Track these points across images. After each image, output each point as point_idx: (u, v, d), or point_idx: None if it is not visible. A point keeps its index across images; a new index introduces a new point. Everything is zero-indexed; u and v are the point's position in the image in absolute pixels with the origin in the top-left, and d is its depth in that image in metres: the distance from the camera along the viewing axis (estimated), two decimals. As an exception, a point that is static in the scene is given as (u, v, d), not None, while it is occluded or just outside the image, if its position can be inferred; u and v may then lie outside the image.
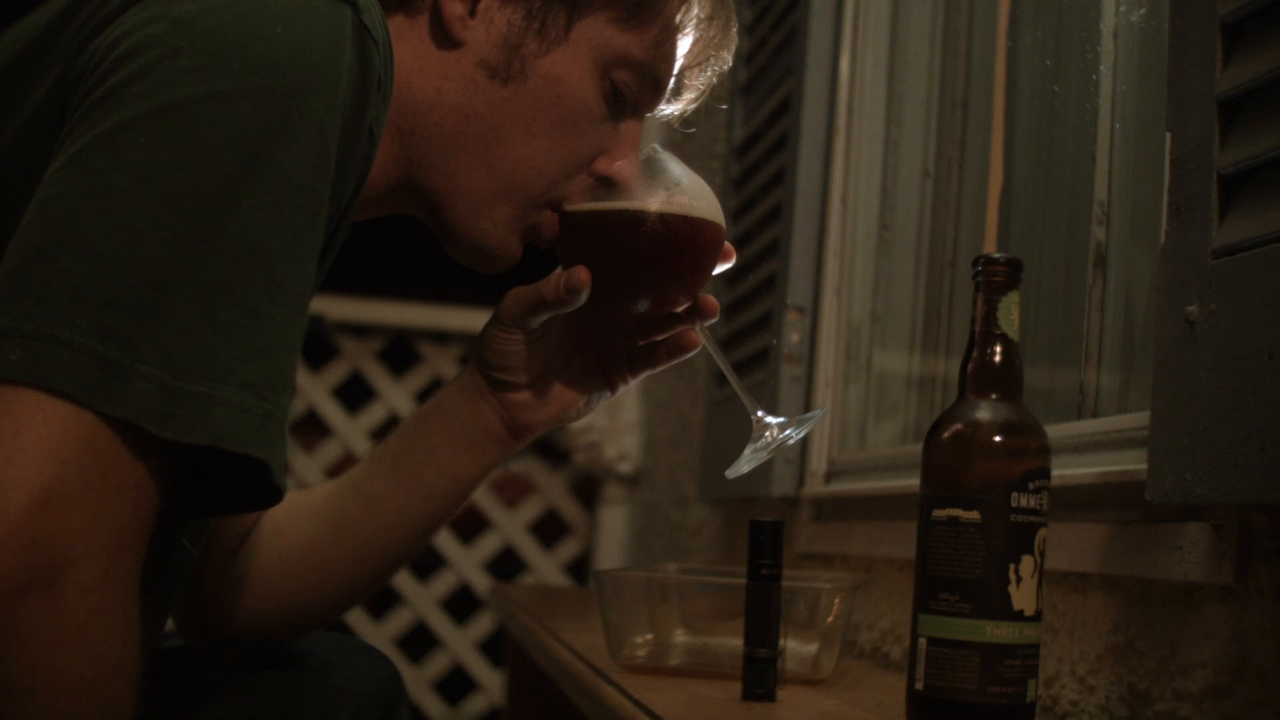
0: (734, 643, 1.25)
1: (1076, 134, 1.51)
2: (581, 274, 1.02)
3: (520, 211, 1.00)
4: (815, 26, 2.02)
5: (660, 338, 1.11)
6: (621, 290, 1.06)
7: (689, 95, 1.09)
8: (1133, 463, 1.12)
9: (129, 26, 0.76)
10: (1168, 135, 1.03)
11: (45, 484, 0.66)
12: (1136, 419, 1.16)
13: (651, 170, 1.05)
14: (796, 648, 1.30)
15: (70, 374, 0.68)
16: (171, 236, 0.71)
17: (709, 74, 1.08)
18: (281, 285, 0.74)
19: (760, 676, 1.18)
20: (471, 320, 3.22)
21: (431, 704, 3.16)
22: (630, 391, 3.12)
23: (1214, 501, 0.95)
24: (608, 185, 1.02)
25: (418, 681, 3.15)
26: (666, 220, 1.03)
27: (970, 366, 1.00)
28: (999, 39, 1.74)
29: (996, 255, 1.00)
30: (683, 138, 3.01)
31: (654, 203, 1.03)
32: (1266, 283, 0.90)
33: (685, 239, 1.04)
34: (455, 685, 3.20)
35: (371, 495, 1.12)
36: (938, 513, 0.98)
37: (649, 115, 1.06)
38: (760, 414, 1.07)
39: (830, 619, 1.31)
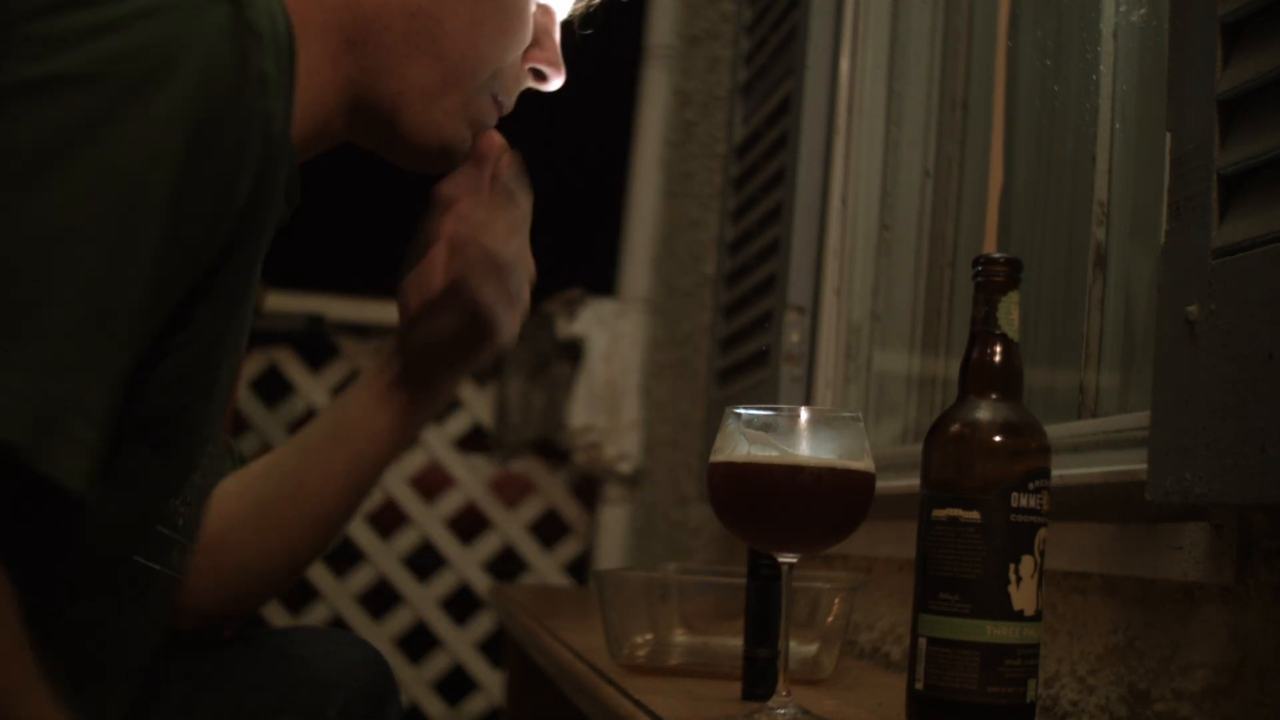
0: (734, 643, 1.25)
1: (1076, 134, 1.51)
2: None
3: (466, 98, 1.02)
4: (815, 26, 2.02)
5: None
6: (770, 532, 1.06)
7: None
8: (1133, 463, 1.12)
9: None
10: (1168, 135, 1.03)
11: None
12: (1136, 419, 1.16)
13: (822, 427, 1.04)
14: (796, 648, 1.30)
15: None
16: None
17: None
18: (75, 271, 0.72)
19: (760, 676, 1.18)
20: (471, 320, 3.22)
21: (431, 704, 3.16)
22: (630, 391, 3.12)
23: (1214, 501, 0.95)
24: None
25: (418, 681, 3.15)
26: (822, 473, 1.02)
27: (970, 366, 1.00)
28: (999, 39, 1.74)
29: (996, 255, 1.00)
30: (682, 135, 3.01)
31: (813, 457, 1.02)
32: (1266, 283, 0.90)
33: (838, 490, 1.03)
34: (455, 685, 3.19)
35: (309, 448, 1.13)
36: (938, 513, 0.98)
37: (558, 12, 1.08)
38: (787, 694, 1.06)
39: (830, 619, 1.31)
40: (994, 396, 0.99)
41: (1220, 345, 0.94)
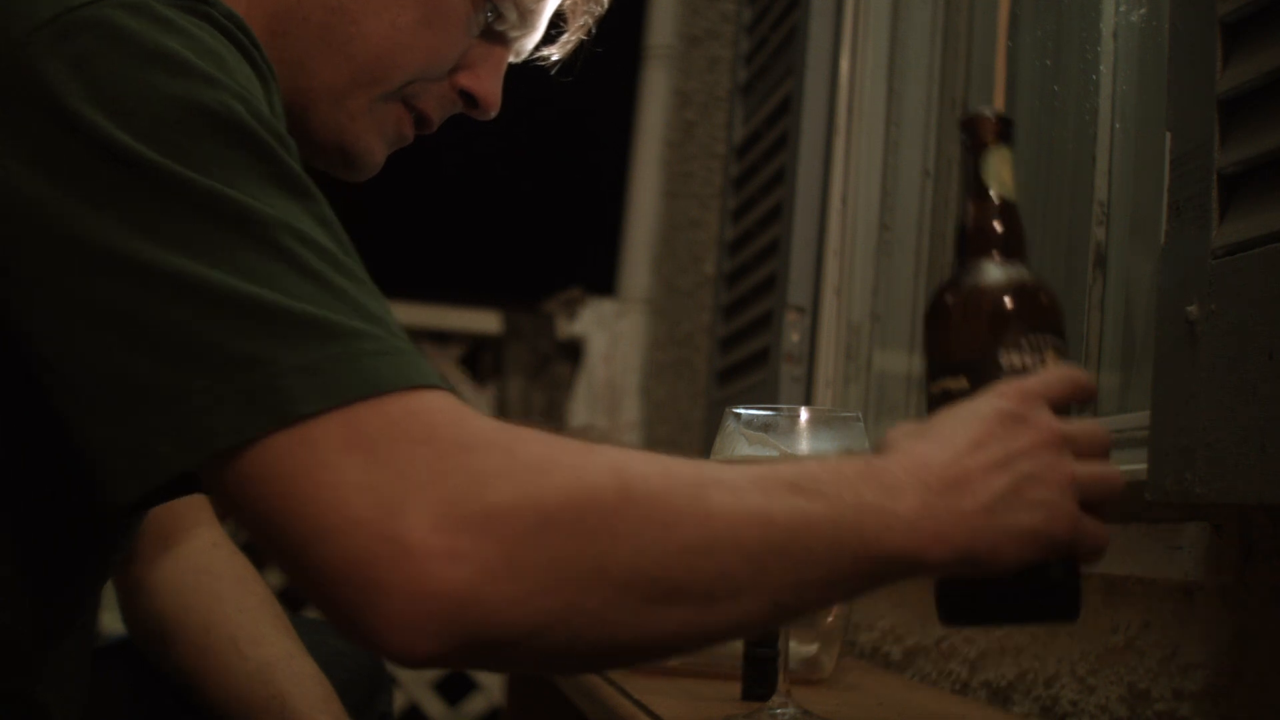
0: (734, 643, 1.25)
1: (1076, 134, 1.51)
2: None
3: (371, 102, 0.98)
4: (815, 26, 2.02)
5: None
6: None
7: (566, 39, 1.07)
8: (1133, 463, 1.12)
9: None
10: (1168, 135, 1.03)
11: None
12: (1136, 419, 1.16)
13: (824, 430, 1.04)
14: (796, 648, 1.30)
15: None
16: None
17: (584, 17, 1.07)
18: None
19: (760, 676, 1.18)
20: (472, 320, 3.22)
21: (431, 704, 3.16)
22: (630, 391, 3.12)
23: (1214, 501, 0.94)
24: None
25: (417, 681, 3.14)
26: None
27: (958, 232, 0.91)
28: (999, 39, 1.74)
29: (984, 109, 0.90)
30: (682, 135, 3.01)
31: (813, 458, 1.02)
32: (1266, 283, 0.90)
33: None
34: (455, 685, 3.19)
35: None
36: (931, 387, 0.89)
37: (517, 51, 1.04)
38: (787, 694, 1.06)
39: (830, 619, 1.31)
40: (991, 258, 0.89)
41: (1220, 345, 0.94)
